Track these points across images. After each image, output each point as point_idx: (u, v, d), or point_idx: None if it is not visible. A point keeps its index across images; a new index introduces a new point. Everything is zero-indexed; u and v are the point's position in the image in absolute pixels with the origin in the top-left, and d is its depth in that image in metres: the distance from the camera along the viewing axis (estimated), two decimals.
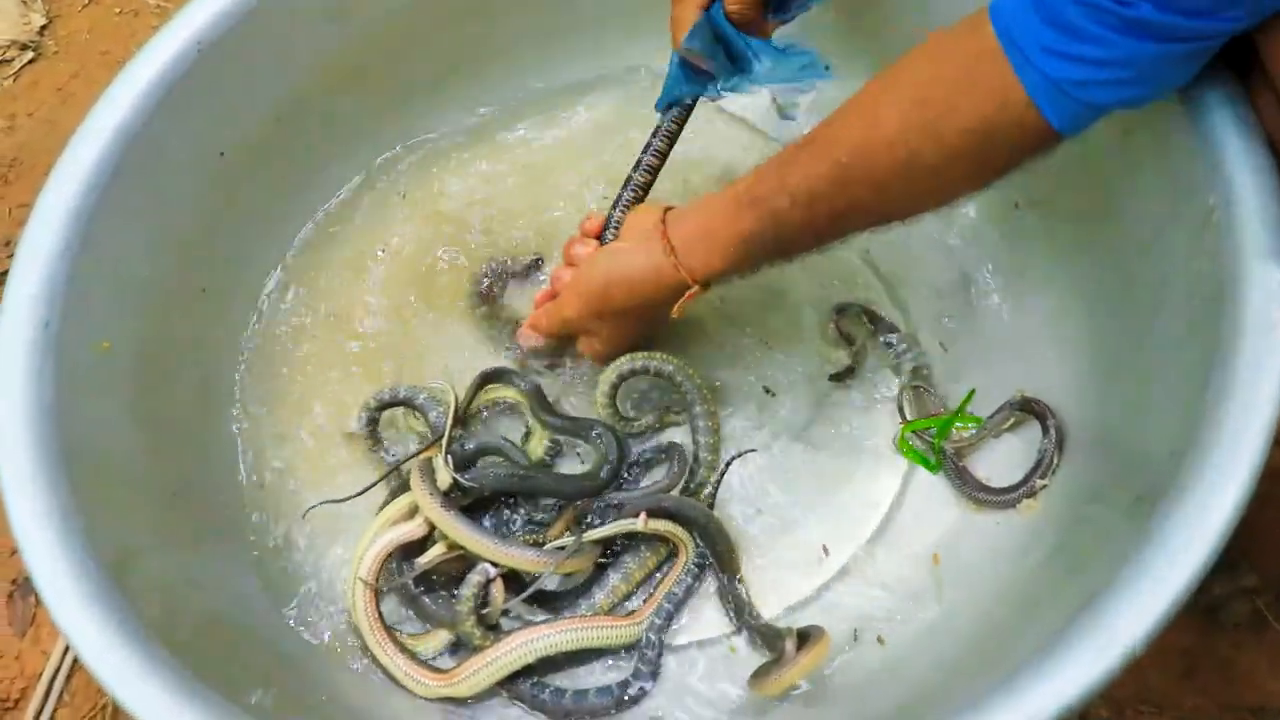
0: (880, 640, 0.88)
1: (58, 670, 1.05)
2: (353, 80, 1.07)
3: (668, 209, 0.88)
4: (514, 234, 1.10)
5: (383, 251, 1.09)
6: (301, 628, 0.90)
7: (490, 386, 0.99)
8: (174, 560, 0.85)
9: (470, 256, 1.08)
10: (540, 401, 0.97)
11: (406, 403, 0.98)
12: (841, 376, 1.00)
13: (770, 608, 0.91)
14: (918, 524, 0.94)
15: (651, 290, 0.88)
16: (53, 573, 0.73)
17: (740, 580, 0.91)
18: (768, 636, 0.87)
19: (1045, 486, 0.91)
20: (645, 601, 0.90)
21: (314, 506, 0.94)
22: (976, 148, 0.71)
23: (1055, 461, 0.91)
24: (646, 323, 0.94)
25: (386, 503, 0.93)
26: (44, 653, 1.07)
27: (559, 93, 1.17)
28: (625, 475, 0.95)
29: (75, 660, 1.05)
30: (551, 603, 0.91)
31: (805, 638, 0.82)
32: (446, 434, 0.93)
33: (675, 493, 0.91)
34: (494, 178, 1.13)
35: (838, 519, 0.95)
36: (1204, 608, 1.01)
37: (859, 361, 1.00)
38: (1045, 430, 0.92)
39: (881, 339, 1.01)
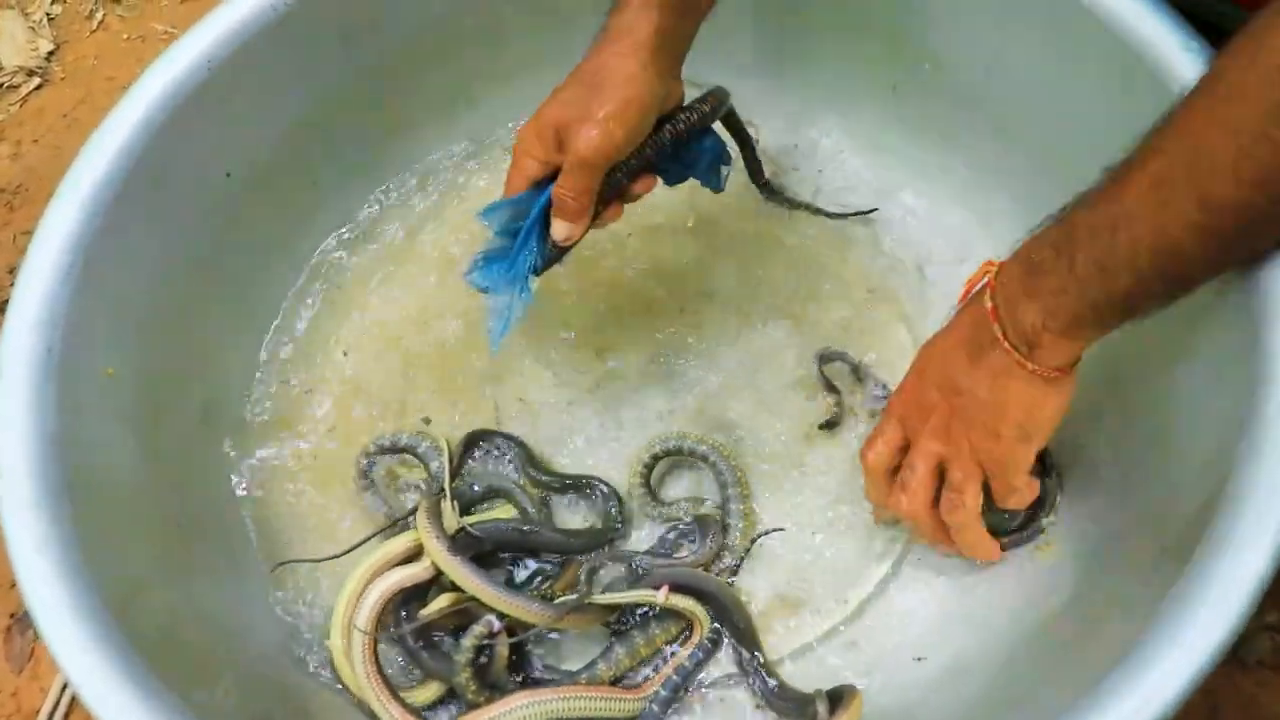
0: (892, 682, 0.86)
1: (55, 706, 1.03)
2: (366, 102, 1.05)
3: None
4: None
5: (393, 280, 1.08)
6: (311, 662, 0.89)
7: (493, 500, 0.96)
8: (178, 593, 0.83)
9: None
10: (529, 460, 0.96)
11: (408, 450, 0.96)
12: (830, 425, 0.98)
13: (780, 649, 0.89)
14: (929, 566, 0.92)
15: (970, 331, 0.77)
16: (52, 606, 0.71)
17: (760, 652, 0.87)
18: (795, 704, 0.83)
19: (1052, 523, 0.89)
20: (652, 677, 0.87)
21: (285, 564, 0.92)
22: None
23: (1056, 498, 0.89)
24: (941, 371, 0.80)
25: (372, 536, 0.91)
26: (42, 689, 1.05)
27: None
28: (658, 548, 0.92)
29: (74, 697, 1.03)
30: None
31: (837, 699, 0.79)
32: (447, 482, 0.91)
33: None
34: None
35: (846, 561, 0.93)
36: None
37: (842, 411, 0.98)
38: (1045, 469, 0.89)
39: (866, 389, 0.99)
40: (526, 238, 0.84)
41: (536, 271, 0.85)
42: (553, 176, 0.83)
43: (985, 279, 0.76)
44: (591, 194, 0.83)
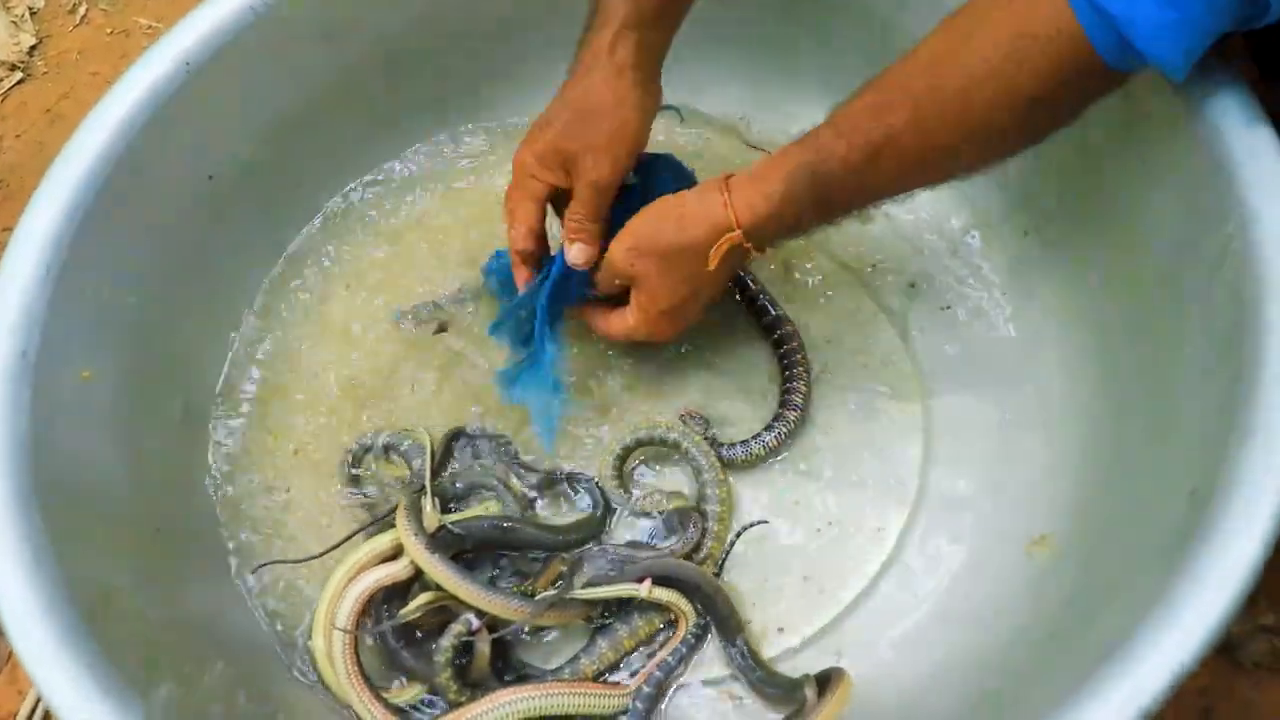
0: (886, 680, 0.85)
1: (34, 711, 1.02)
2: (346, 102, 1.04)
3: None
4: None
5: (374, 277, 1.07)
6: (293, 664, 0.87)
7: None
8: (155, 597, 0.82)
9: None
10: (513, 456, 0.95)
11: (390, 448, 0.95)
12: None
13: (772, 648, 0.88)
14: (925, 560, 0.91)
15: (701, 230, 0.82)
16: (24, 615, 0.70)
17: (745, 640, 0.86)
18: (783, 689, 0.83)
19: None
20: (636, 672, 0.86)
21: (264, 565, 0.91)
22: (1038, 93, 0.69)
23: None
24: (692, 280, 0.86)
25: (352, 535, 0.89)
26: (20, 692, 1.04)
27: None
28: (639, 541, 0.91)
29: None
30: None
31: (825, 681, 0.79)
32: (428, 479, 0.90)
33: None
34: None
35: (841, 553, 0.92)
36: (1221, 647, 0.97)
37: None
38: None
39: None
40: (541, 339, 0.90)
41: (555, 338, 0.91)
42: (541, 274, 0.90)
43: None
44: (604, 217, 0.88)
